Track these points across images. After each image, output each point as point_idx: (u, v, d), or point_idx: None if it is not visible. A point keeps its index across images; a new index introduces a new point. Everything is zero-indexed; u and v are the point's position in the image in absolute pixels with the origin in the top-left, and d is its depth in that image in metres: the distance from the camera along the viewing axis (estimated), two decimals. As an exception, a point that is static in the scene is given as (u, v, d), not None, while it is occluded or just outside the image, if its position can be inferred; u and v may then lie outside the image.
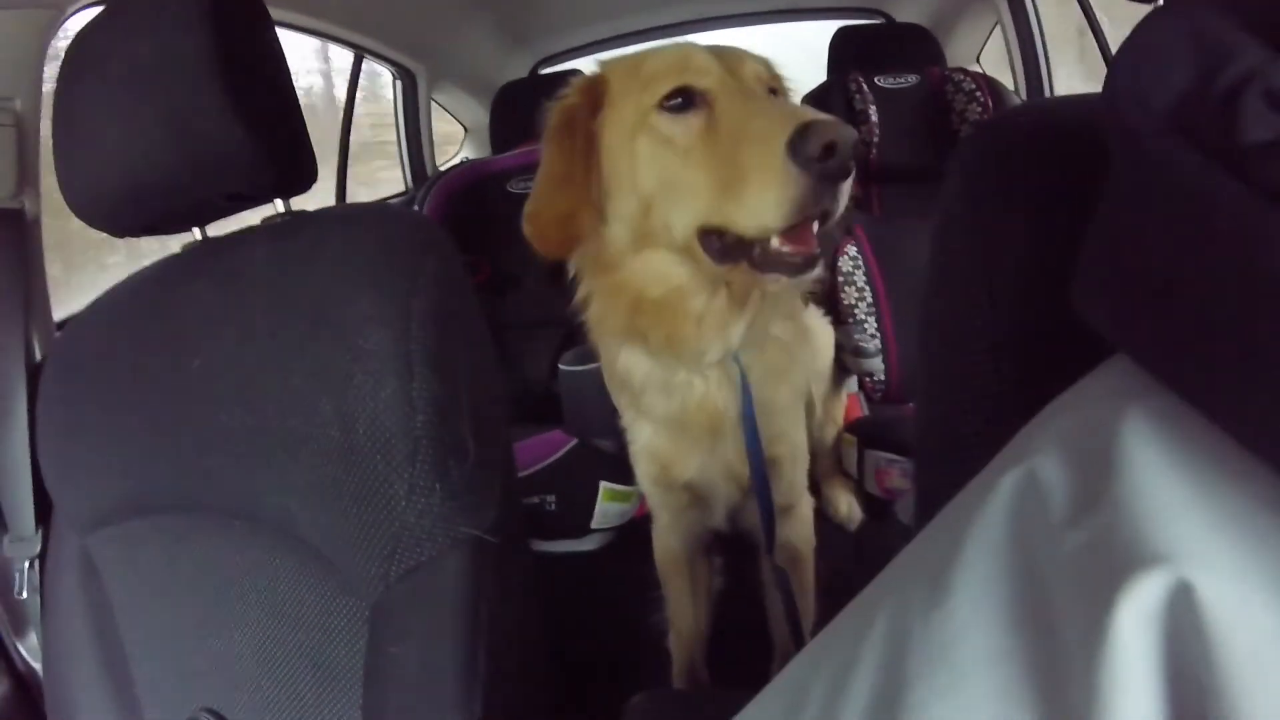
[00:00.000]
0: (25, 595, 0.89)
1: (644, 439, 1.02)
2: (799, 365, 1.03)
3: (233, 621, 0.75)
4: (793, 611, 0.98)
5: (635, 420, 1.03)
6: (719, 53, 0.83)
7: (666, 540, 1.18)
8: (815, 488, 1.56)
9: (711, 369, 0.91)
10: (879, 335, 1.81)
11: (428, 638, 0.66)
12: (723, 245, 0.78)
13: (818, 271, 0.76)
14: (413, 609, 0.67)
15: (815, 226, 0.74)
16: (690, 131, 0.79)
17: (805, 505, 1.16)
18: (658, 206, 0.81)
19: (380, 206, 0.81)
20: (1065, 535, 0.27)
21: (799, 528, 1.14)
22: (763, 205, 0.71)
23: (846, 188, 0.71)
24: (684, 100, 0.79)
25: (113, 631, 0.82)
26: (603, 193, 0.86)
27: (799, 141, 0.67)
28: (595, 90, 0.87)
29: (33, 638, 0.95)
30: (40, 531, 0.89)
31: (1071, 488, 0.29)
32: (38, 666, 0.94)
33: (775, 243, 0.73)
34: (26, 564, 0.89)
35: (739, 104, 0.77)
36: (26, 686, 0.97)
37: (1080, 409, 0.33)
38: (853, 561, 1.37)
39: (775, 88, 0.86)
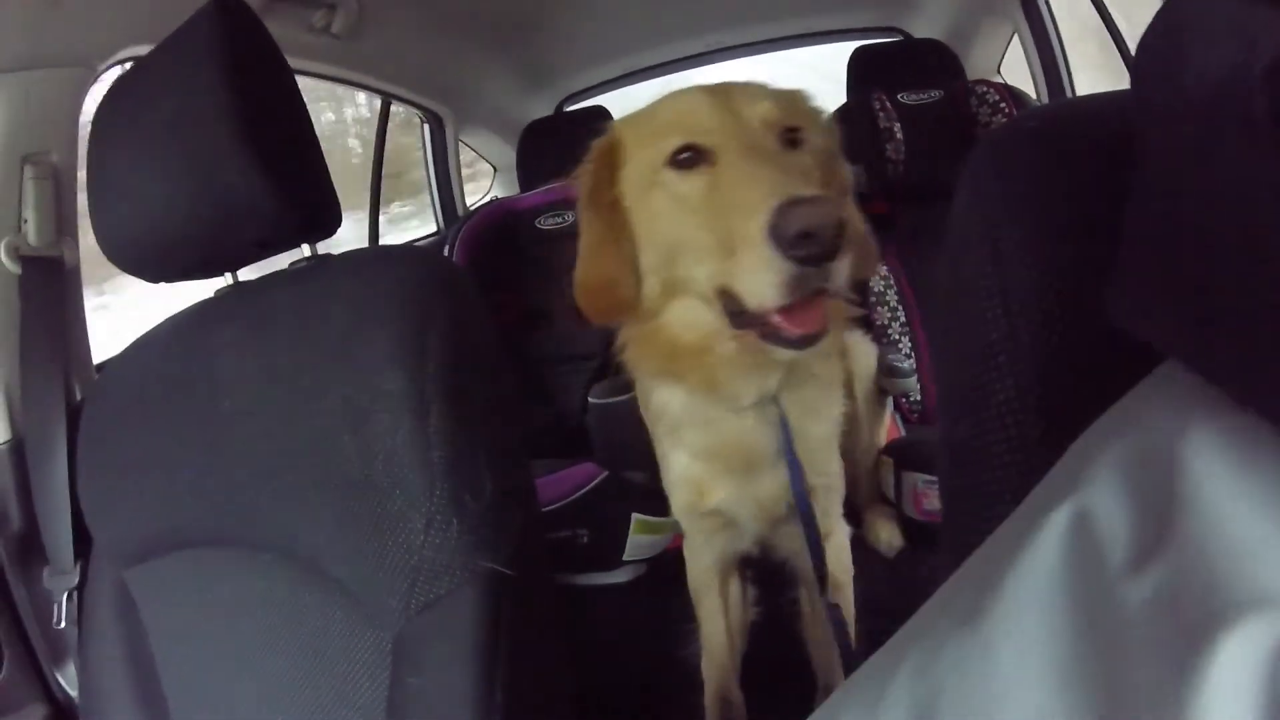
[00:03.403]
0: (64, 626, 0.92)
1: (680, 468, 1.02)
2: (837, 399, 1.01)
3: (263, 653, 0.76)
4: (846, 650, 0.96)
5: (672, 449, 1.03)
6: (729, 96, 0.80)
7: (699, 558, 1.17)
8: (856, 515, 1.53)
9: (748, 409, 0.91)
10: (913, 355, 1.79)
11: (446, 670, 0.67)
12: (735, 309, 0.76)
13: (820, 346, 0.74)
14: (432, 641, 0.68)
15: (822, 300, 0.72)
16: (696, 190, 0.77)
17: (841, 533, 1.14)
18: (679, 260, 0.81)
19: (399, 248, 0.83)
20: (1129, 584, 0.25)
21: (839, 555, 1.12)
22: (754, 285, 0.69)
23: (839, 267, 0.68)
24: (691, 155, 0.78)
25: (148, 662, 0.84)
26: (635, 248, 0.86)
27: (777, 224, 0.65)
28: (611, 151, 0.87)
29: (71, 668, 0.98)
30: (79, 565, 0.92)
31: (1131, 527, 0.26)
32: (75, 695, 0.97)
33: (776, 318, 0.72)
34: (65, 596, 0.92)
35: (737, 164, 0.74)
36: (64, 715, 0.99)
37: (1134, 433, 0.30)
38: (891, 589, 1.33)
39: (796, 127, 0.81)
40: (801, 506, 0.91)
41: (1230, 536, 0.24)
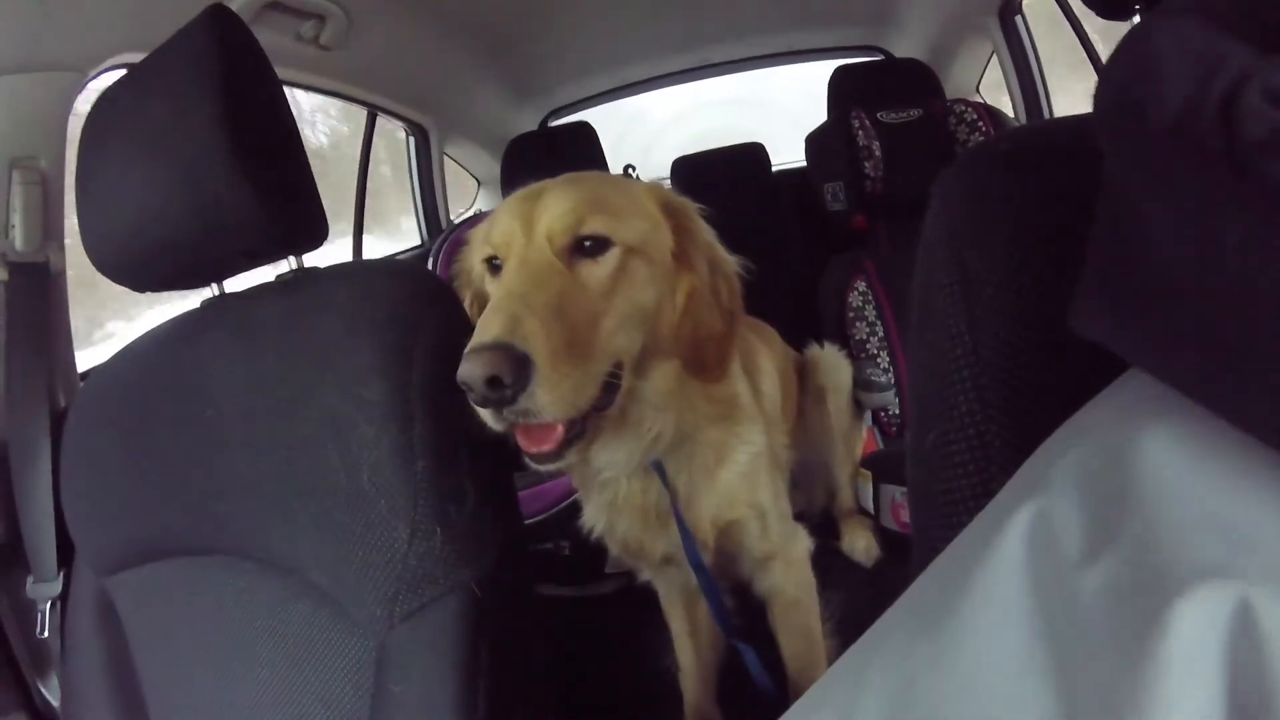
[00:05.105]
0: (46, 635, 0.91)
1: (591, 519, 1.04)
2: (747, 441, 1.00)
3: (245, 662, 0.76)
4: (767, 694, 0.99)
5: (584, 500, 1.05)
6: (534, 204, 0.80)
7: (659, 588, 1.19)
8: (834, 527, 1.55)
9: (633, 472, 0.93)
10: (892, 369, 1.81)
11: (428, 678, 0.67)
12: None
13: (563, 464, 0.77)
14: (415, 650, 0.68)
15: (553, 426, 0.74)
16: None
17: (797, 548, 1.12)
18: None
19: (385, 262, 0.84)
20: (1083, 575, 0.26)
21: (790, 572, 1.11)
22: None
23: (529, 405, 0.68)
24: (498, 261, 0.81)
25: (129, 671, 0.84)
26: None
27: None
28: (468, 254, 0.91)
29: (54, 677, 0.97)
30: (62, 574, 0.92)
31: (1085, 523, 0.27)
32: (57, 705, 0.96)
33: (516, 435, 0.75)
34: (48, 605, 0.92)
35: (505, 283, 0.76)
36: (47, 724, 0.98)
37: (1090, 437, 0.31)
38: (871, 602, 1.34)
39: (594, 236, 0.79)
40: (692, 559, 0.94)
41: (1181, 518, 0.25)
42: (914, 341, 0.59)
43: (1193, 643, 0.22)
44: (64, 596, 0.91)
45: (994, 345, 0.50)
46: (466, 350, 0.67)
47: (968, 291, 0.52)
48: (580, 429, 0.76)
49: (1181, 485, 0.26)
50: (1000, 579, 0.28)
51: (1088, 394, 0.35)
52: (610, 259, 0.80)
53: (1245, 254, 0.27)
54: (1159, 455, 0.27)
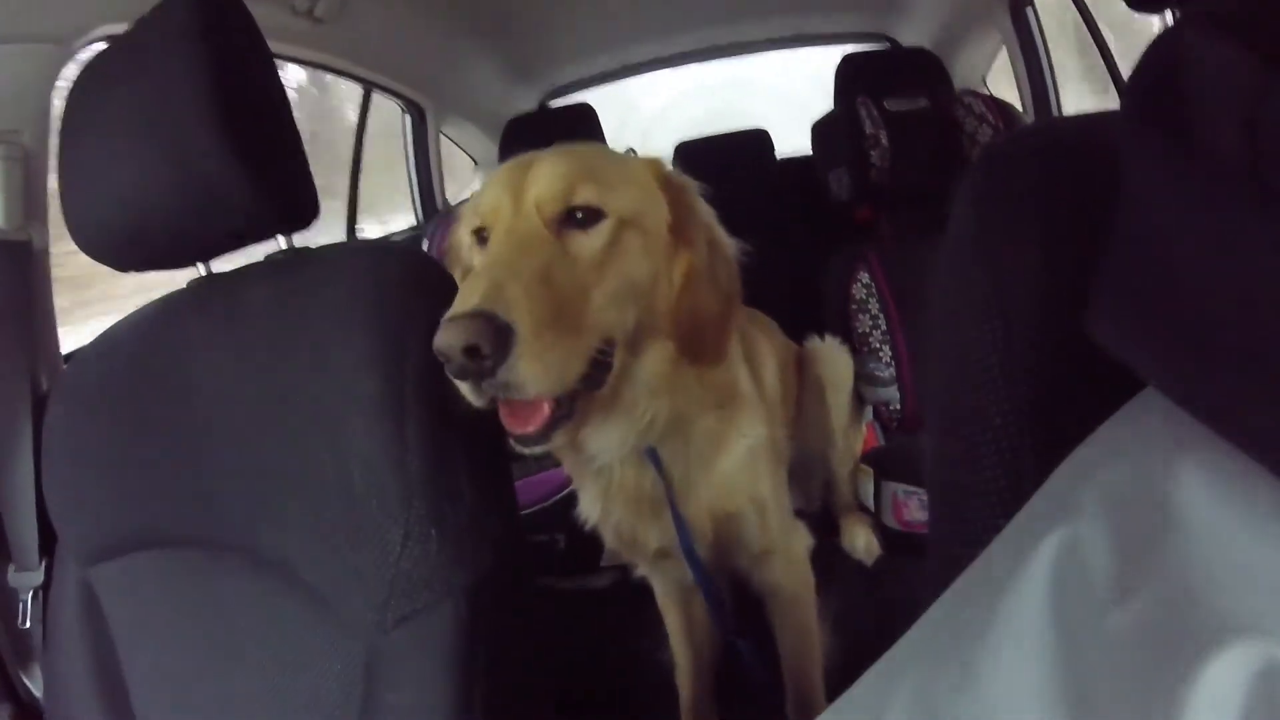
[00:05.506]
0: (29, 625, 0.90)
1: (586, 502, 1.01)
2: (747, 429, 0.98)
3: (231, 658, 0.74)
4: (761, 686, 0.98)
5: (579, 488, 1.02)
6: (525, 173, 0.78)
7: (654, 584, 1.18)
8: (834, 523, 1.53)
9: (626, 459, 0.90)
10: (894, 363, 1.79)
11: (423, 686, 0.65)
12: None
13: (550, 446, 0.75)
14: (409, 656, 0.66)
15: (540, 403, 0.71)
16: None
17: (797, 544, 1.11)
18: None
19: (379, 245, 0.82)
20: (1113, 613, 0.25)
21: (790, 569, 1.09)
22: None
23: (508, 378, 0.65)
24: (485, 232, 0.79)
25: (113, 664, 0.82)
26: None
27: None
28: (460, 227, 0.89)
29: (37, 667, 0.95)
30: (44, 563, 0.89)
31: (1117, 558, 0.27)
32: (41, 695, 0.94)
33: (502, 413, 0.72)
34: (30, 594, 0.90)
35: (489, 252, 0.74)
36: (30, 714, 0.96)
37: (1121, 462, 0.30)
38: (869, 605, 1.33)
39: (586, 206, 0.76)
40: (686, 550, 0.91)
41: (1214, 566, 0.24)
42: (939, 346, 0.57)
43: (1218, 699, 0.21)
44: (46, 586, 0.89)
45: (1029, 352, 0.48)
46: (444, 318, 0.63)
47: (997, 296, 0.50)
48: (568, 409, 0.73)
49: (1219, 527, 0.25)
50: (1026, 609, 0.27)
51: (1121, 404, 0.34)
52: (602, 230, 0.77)
53: (1266, 264, 0.26)
54: (1196, 490, 0.26)
